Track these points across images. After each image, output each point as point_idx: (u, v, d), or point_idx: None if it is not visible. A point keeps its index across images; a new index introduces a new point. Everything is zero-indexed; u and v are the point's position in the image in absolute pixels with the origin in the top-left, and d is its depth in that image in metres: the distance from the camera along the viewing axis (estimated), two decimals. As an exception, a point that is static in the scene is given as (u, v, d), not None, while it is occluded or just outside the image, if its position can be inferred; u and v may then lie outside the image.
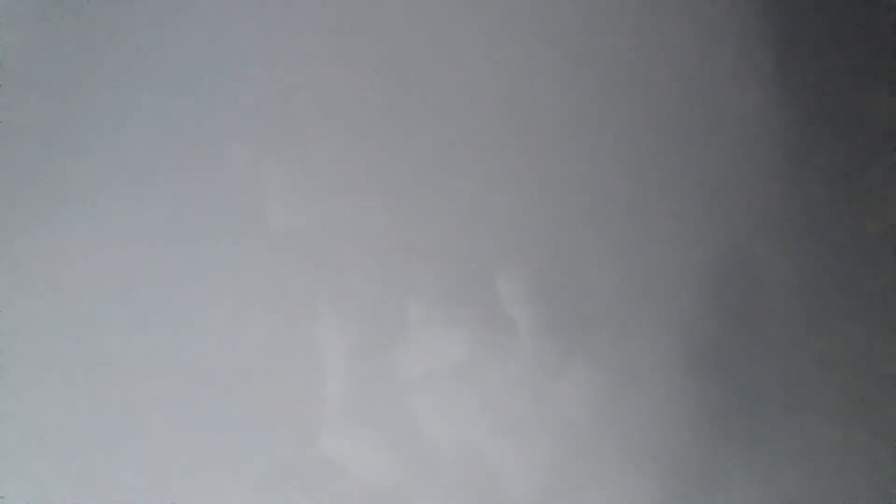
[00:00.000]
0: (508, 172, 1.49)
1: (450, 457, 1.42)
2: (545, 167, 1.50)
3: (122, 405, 1.37)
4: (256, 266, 1.42)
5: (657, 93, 1.54)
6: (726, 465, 1.46)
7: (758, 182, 1.55)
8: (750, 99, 1.57)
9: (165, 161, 1.43)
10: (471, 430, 1.43)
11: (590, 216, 1.50)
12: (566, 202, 1.50)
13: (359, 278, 1.44)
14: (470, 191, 1.47)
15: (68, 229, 1.40)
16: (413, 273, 1.45)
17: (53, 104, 1.43)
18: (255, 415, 1.38)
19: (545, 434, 1.44)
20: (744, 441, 1.47)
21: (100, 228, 1.41)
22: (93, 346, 1.38)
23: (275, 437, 1.39)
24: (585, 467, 1.44)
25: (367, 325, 1.43)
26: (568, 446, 1.44)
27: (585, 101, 1.52)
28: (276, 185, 1.44)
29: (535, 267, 1.47)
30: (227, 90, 1.45)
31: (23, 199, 1.41)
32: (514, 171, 1.49)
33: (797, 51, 1.59)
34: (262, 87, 1.46)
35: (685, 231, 1.51)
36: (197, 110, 1.44)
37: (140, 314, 1.40)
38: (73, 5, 1.44)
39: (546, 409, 1.44)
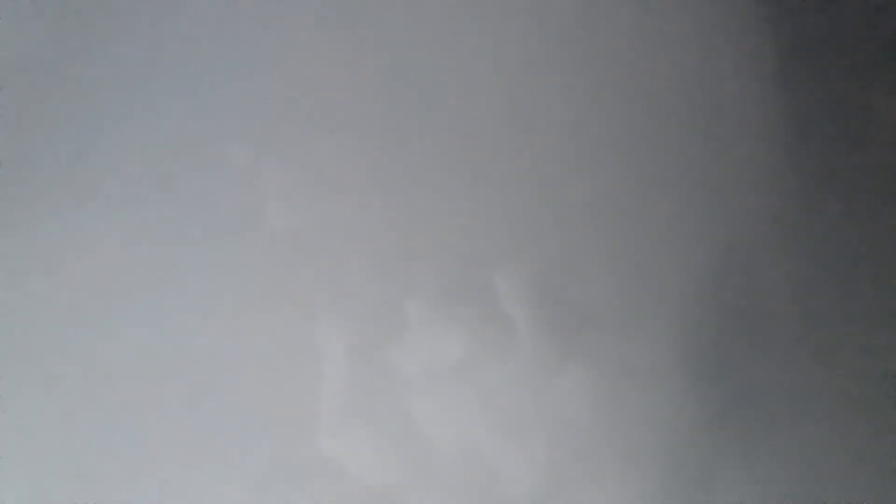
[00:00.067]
0: (508, 172, 1.49)
1: (448, 455, 1.42)
2: (545, 167, 1.50)
3: (119, 404, 1.38)
4: (255, 265, 1.42)
5: (657, 92, 1.54)
6: (725, 464, 1.46)
7: (757, 182, 1.55)
8: (750, 99, 1.57)
9: (165, 160, 1.43)
10: (469, 428, 1.43)
11: (589, 216, 1.50)
12: (565, 202, 1.50)
13: (358, 277, 1.44)
14: (469, 190, 1.48)
15: (66, 228, 1.41)
16: (412, 272, 1.45)
17: (52, 103, 1.43)
18: (254, 413, 1.39)
19: (544, 433, 1.44)
20: (743, 440, 1.47)
21: (99, 228, 1.41)
22: (90, 345, 1.38)
23: (273, 435, 1.39)
24: (584, 466, 1.44)
25: (366, 323, 1.43)
26: (567, 445, 1.44)
27: (584, 101, 1.52)
28: (275, 185, 1.44)
29: (534, 266, 1.47)
30: (227, 90, 1.45)
31: (21, 198, 1.41)
32: (513, 170, 1.49)
33: (797, 51, 1.59)
34: (263, 87, 1.46)
35: (684, 231, 1.51)
36: (197, 109, 1.45)
37: (138, 313, 1.40)
38: (73, 4, 1.45)
39: (545, 408, 1.44)
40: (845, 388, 1.51)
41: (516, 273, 1.46)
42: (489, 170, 1.48)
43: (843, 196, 1.57)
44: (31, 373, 1.37)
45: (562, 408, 1.45)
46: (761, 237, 1.53)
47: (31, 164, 1.42)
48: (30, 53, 1.44)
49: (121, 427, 1.37)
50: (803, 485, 1.47)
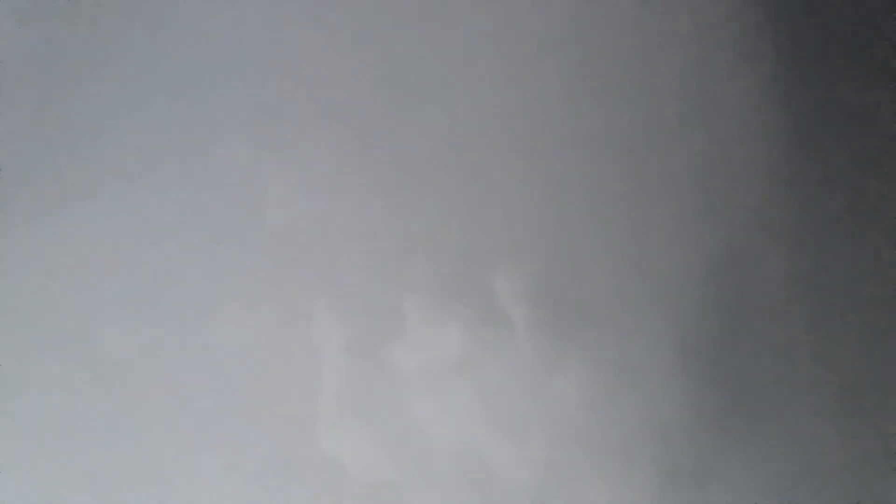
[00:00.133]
0: (505, 170, 1.49)
1: (446, 452, 1.42)
2: (542, 165, 1.50)
3: (118, 401, 1.38)
4: (255, 263, 1.42)
5: (656, 91, 1.54)
6: (722, 461, 1.46)
7: (756, 181, 1.55)
8: (749, 98, 1.57)
9: (165, 159, 1.43)
10: (467, 425, 1.43)
11: (587, 213, 1.50)
12: (563, 199, 1.50)
13: (356, 276, 1.44)
14: (468, 189, 1.48)
15: (66, 227, 1.41)
16: (410, 270, 1.45)
17: (52, 102, 1.43)
18: (253, 411, 1.39)
19: (541, 430, 1.44)
20: (740, 437, 1.47)
21: (98, 226, 1.41)
22: (89, 343, 1.39)
23: (272, 432, 1.39)
24: (581, 463, 1.44)
25: (365, 321, 1.43)
26: (564, 442, 1.44)
27: (583, 100, 1.52)
28: (275, 184, 1.44)
29: (531, 264, 1.47)
30: (227, 89, 1.46)
31: (21, 196, 1.41)
32: (511, 168, 1.49)
33: (797, 50, 1.59)
34: (263, 87, 1.46)
35: (682, 229, 1.51)
36: (197, 109, 1.45)
37: (138, 311, 1.40)
38: (73, 3, 1.45)
39: (542, 404, 1.44)
40: (844, 387, 1.50)
41: (515, 271, 1.46)
42: (488, 169, 1.49)
43: (842, 195, 1.57)
44: (31, 371, 1.38)
45: (560, 405, 1.44)
46: (760, 236, 1.53)
47: (28, 162, 1.42)
48: (29, 52, 1.44)
49: (120, 426, 1.37)
50: (799, 481, 1.47)
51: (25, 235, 1.41)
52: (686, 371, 1.48)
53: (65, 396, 1.37)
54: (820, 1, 1.61)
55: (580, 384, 1.45)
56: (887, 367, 1.52)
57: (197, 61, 1.46)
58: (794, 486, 1.47)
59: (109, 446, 1.37)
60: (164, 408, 1.38)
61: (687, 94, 1.55)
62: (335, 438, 1.40)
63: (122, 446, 1.37)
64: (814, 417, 1.49)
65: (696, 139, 1.54)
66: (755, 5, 1.59)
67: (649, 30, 1.56)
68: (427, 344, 1.44)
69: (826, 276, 1.54)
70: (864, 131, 1.59)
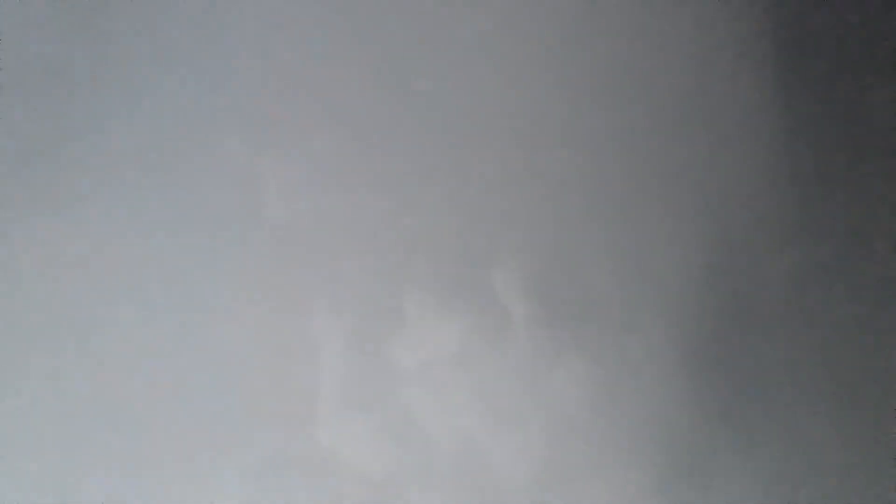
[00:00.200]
0: (505, 166, 1.49)
1: (445, 447, 1.42)
2: (543, 163, 1.50)
3: (116, 396, 1.38)
4: (253, 258, 1.43)
5: (656, 89, 1.54)
6: (721, 457, 1.46)
7: (755, 178, 1.55)
8: (749, 97, 1.57)
9: (163, 154, 1.44)
10: (466, 422, 1.43)
11: (586, 209, 1.50)
12: (562, 195, 1.50)
13: (355, 270, 1.44)
14: (467, 184, 1.48)
15: (64, 222, 1.41)
16: (409, 265, 1.45)
17: (50, 99, 1.44)
18: (251, 405, 1.39)
19: (540, 425, 1.44)
20: (739, 433, 1.47)
21: (97, 221, 1.42)
22: (87, 338, 1.39)
23: (271, 427, 1.39)
24: (580, 458, 1.44)
25: (364, 316, 1.43)
26: (563, 437, 1.44)
27: (583, 98, 1.53)
28: (273, 178, 1.44)
29: (530, 259, 1.47)
30: (225, 83, 1.46)
31: (19, 190, 1.42)
32: (511, 166, 1.49)
33: (797, 49, 1.59)
34: (261, 81, 1.46)
35: (681, 225, 1.51)
36: (195, 103, 1.45)
37: (136, 306, 1.40)
38: (73, 2, 1.46)
39: (541, 400, 1.44)
40: (843, 384, 1.50)
41: (514, 268, 1.47)
42: (487, 164, 1.49)
43: (842, 195, 1.57)
44: (30, 368, 1.38)
45: (558, 401, 1.45)
46: (759, 234, 1.53)
47: (27, 157, 1.42)
48: (29, 45, 1.45)
49: (118, 421, 1.37)
50: (799, 477, 1.47)
51: (24, 233, 1.41)
52: (685, 367, 1.48)
53: (60, 390, 1.37)
54: (820, 1, 1.61)
55: (579, 380, 1.45)
56: (887, 366, 1.52)
57: (197, 58, 1.47)
58: (793, 480, 1.47)
59: (108, 441, 1.37)
60: (162, 403, 1.38)
61: (687, 93, 1.55)
62: (335, 434, 1.40)
63: (120, 441, 1.37)
64: (813, 414, 1.49)
65: (695, 136, 1.54)
66: (755, 5, 1.59)
67: (650, 29, 1.56)
68: (427, 340, 1.44)
69: (826, 276, 1.54)
70: (865, 131, 1.59)
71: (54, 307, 1.40)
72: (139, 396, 1.38)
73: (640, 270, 1.49)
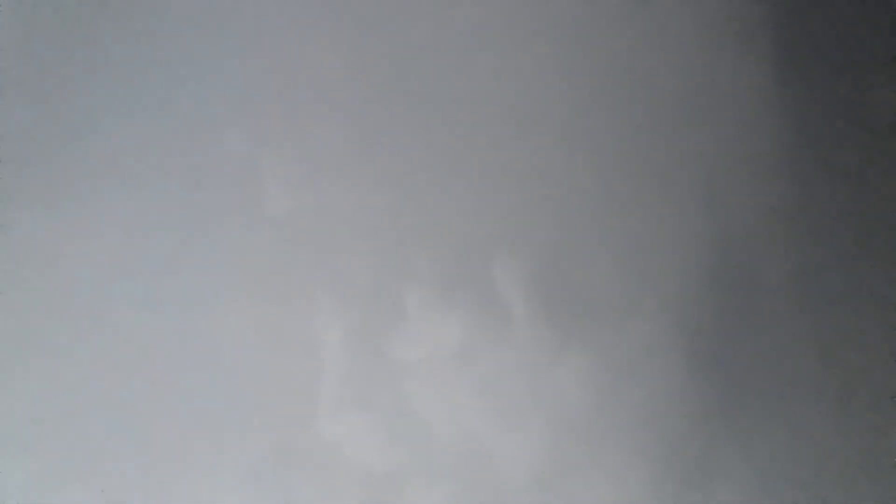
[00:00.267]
0: (506, 161, 1.49)
1: (446, 441, 1.41)
2: (543, 156, 1.51)
3: (119, 390, 1.38)
4: (255, 252, 1.43)
5: (656, 88, 1.55)
6: (723, 454, 1.46)
7: (756, 177, 1.55)
8: (749, 96, 1.57)
9: (164, 148, 1.44)
10: (468, 415, 1.43)
11: (588, 205, 1.50)
12: (564, 191, 1.50)
13: (357, 264, 1.44)
14: (468, 178, 1.48)
15: (65, 217, 1.41)
16: (411, 259, 1.45)
17: (51, 92, 1.44)
18: (253, 399, 1.39)
19: (541, 420, 1.44)
20: (741, 430, 1.47)
21: (98, 215, 1.42)
22: (90, 332, 1.39)
23: (273, 421, 1.39)
24: (581, 453, 1.43)
25: (365, 310, 1.43)
26: (564, 432, 1.44)
27: (584, 94, 1.53)
28: (274, 172, 1.45)
29: (532, 254, 1.47)
30: (226, 80, 1.46)
31: (20, 186, 1.42)
32: (512, 159, 1.49)
33: (797, 49, 1.60)
34: (262, 74, 1.47)
35: (684, 223, 1.52)
36: (196, 97, 1.45)
37: (138, 300, 1.40)
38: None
39: (542, 395, 1.44)
40: (844, 382, 1.50)
41: (515, 261, 1.47)
42: (489, 159, 1.49)
43: (844, 194, 1.57)
44: (32, 365, 1.38)
45: (560, 395, 1.44)
46: (760, 231, 1.53)
47: (28, 152, 1.42)
48: (29, 38, 1.45)
49: (120, 416, 1.38)
50: (801, 479, 1.47)
51: (23, 223, 1.41)
52: (686, 364, 1.48)
53: (64, 385, 1.37)
54: (820, 1, 1.62)
55: (580, 375, 1.45)
56: (887, 366, 1.52)
57: (198, 53, 1.47)
58: (794, 478, 1.47)
59: (110, 436, 1.37)
60: (164, 399, 1.38)
61: (688, 91, 1.56)
62: (336, 428, 1.40)
63: (122, 436, 1.37)
64: (814, 411, 1.49)
65: (696, 134, 1.54)
66: (756, 5, 1.60)
67: (650, 28, 1.57)
68: (428, 336, 1.44)
69: (827, 275, 1.54)
70: (866, 130, 1.59)
71: (54, 303, 1.40)
72: (140, 392, 1.38)
73: (641, 268, 1.49)
